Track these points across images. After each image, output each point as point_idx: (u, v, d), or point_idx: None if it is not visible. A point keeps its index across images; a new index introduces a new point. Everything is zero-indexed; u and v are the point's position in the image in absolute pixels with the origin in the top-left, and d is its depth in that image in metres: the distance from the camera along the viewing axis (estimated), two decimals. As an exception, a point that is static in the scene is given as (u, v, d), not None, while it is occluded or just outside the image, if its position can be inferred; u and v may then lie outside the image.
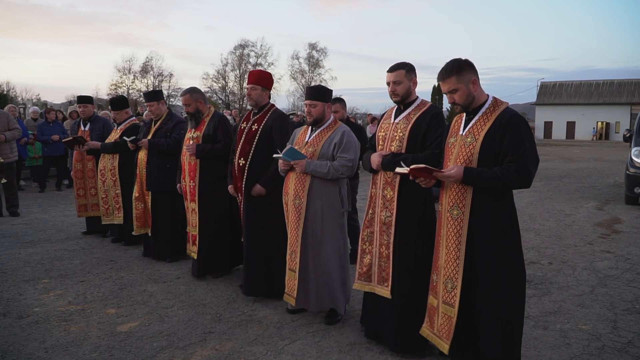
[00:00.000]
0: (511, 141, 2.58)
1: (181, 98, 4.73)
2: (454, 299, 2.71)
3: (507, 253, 2.64)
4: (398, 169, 2.78)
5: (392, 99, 3.31)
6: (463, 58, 2.77)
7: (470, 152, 2.68)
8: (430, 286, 2.94)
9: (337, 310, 3.65)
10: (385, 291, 3.21)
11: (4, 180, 7.27)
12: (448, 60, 2.80)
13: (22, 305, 3.99)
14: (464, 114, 2.84)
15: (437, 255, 2.87)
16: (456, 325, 2.70)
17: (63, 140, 6.24)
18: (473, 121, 2.74)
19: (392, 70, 3.27)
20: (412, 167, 2.67)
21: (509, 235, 2.66)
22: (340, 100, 5.15)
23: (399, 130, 3.22)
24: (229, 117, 14.97)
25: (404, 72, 3.24)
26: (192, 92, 4.71)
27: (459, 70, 2.71)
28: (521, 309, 2.71)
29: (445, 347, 2.74)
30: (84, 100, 6.43)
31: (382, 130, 3.35)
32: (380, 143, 3.32)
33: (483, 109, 2.73)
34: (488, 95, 2.79)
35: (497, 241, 2.64)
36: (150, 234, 5.28)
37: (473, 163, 2.66)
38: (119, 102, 6.13)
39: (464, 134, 2.76)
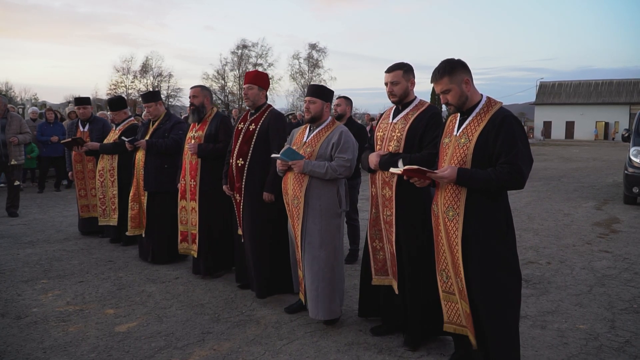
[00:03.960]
0: (504, 142, 2.58)
1: (191, 90, 4.76)
2: (465, 295, 2.74)
3: (502, 253, 2.65)
4: (392, 170, 2.78)
5: (390, 99, 3.32)
6: (456, 58, 2.77)
7: (464, 153, 2.68)
8: (440, 285, 2.95)
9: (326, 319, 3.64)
10: (395, 285, 3.29)
11: (17, 182, 7.36)
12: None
13: (20, 306, 3.99)
14: (459, 114, 2.84)
15: (442, 254, 2.87)
16: (474, 319, 2.73)
17: (62, 142, 6.23)
18: (467, 122, 2.74)
19: (389, 70, 3.27)
20: (405, 167, 2.68)
21: (503, 235, 2.67)
22: (346, 97, 5.20)
23: (397, 131, 3.23)
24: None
25: (401, 72, 3.24)
26: (204, 88, 4.85)
27: (451, 71, 2.71)
28: (517, 309, 2.72)
29: (473, 341, 2.76)
30: (82, 101, 6.43)
31: (380, 130, 3.36)
32: (379, 143, 3.33)
33: (477, 109, 2.73)
34: (482, 95, 2.78)
35: (492, 242, 2.65)
36: (143, 235, 5.26)
37: (467, 164, 2.67)
38: (117, 102, 6.14)
39: (458, 134, 2.76)
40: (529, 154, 2.62)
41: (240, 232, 4.27)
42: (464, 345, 2.91)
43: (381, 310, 3.51)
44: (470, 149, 2.66)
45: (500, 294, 2.65)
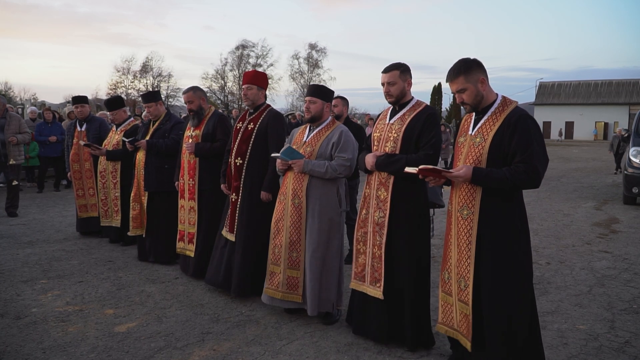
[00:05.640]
0: (520, 141, 2.57)
1: (184, 96, 4.75)
2: (467, 297, 2.72)
3: (515, 253, 2.65)
4: (407, 169, 2.78)
5: (386, 99, 3.31)
6: (472, 57, 2.77)
7: (480, 152, 2.68)
8: (441, 284, 2.95)
9: (330, 312, 3.65)
10: (377, 292, 3.22)
11: (15, 182, 7.34)
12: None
13: (20, 306, 3.99)
14: (473, 114, 2.83)
15: (448, 254, 2.87)
16: (474, 322, 2.71)
17: (84, 144, 6.16)
18: (482, 121, 2.74)
19: (386, 71, 3.27)
20: (421, 167, 2.69)
21: (517, 235, 2.66)
22: (342, 97, 5.19)
23: (394, 131, 3.22)
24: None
25: (398, 72, 3.23)
26: (196, 89, 4.76)
27: (467, 70, 2.71)
28: (527, 309, 2.69)
29: (468, 344, 2.74)
30: (80, 100, 6.42)
31: (377, 130, 3.36)
32: (375, 144, 3.32)
33: (492, 109, 2.73)
34: (497, 95, 2.78)
35: (506, 241, 2.64)
36: (144, 235, 5.25)
37: (482, 163, 2.67)
38: (114, 102, 6.11)
39: (473, 133, 2.76)
40: (544, 153, 2.61)
41: (224, 232, 4.24)
42: (461, 347, 2.90)
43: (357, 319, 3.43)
44: (486, 148, 2.66)
45: (511, 293, 2.63)
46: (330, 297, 3.59)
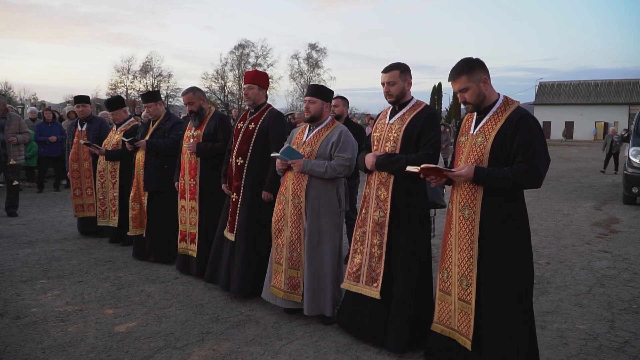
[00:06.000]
0: (522, 141, 2.58)
1: (183, 97, 4.74)
2: (470, 296, 2.72)
3: (516, 253, 2.65)
4: (409, 168, 2.79)
5: (386, 99, 3.32)
6: (474, 57, 2.77)
7: (481, 152, 2.68)
8: (438, 283, 2.95)
9: (325, 314, 3.64)
10: (374, 292, 3.21)
11: (15, 182, 7.33)
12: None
13: (19, 306, 3.99)
14: (475, 113, 2.83)
15: (448, 253, 2.86)
16: (475, 322, 2.71)
17: (84, 143, 6.15)
18: (484, 121, 2.74)
19: (386, 70, 3.27)
20: (422, 166, 2.69)
21: (519, 235, 2.66)
22: (342, 97, 5.20)
23: (394, 131, 3.22)
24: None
25: (398, 72, 3.24)
26: (195, 90, 4.75)
27: (469, 69, 2.71)
28: (527, 309, 2.69)
29: (467, 342, 2.74)
30: (81, 100, 6.42)
31: (377, 130, 3.36)
32: (375, 143, 3.32)
33: (494, 109, 2.74)
34: (499, 95, 2.79)
35: (508, 241, 2.65)
36: (144, 235, 5.25)
37: (484, 163, 2.67)
38: (114, 102, 6.12)
39: (474, 133, 2.76)
40: (546, 153, 2.62)
41: (226, 232, 4.25)
42: (453, 349, 2.88)
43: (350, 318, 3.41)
44: (487, 148, 2.66)
45: (511, 293, 2.63)
46: (327, 298, 3.58)
